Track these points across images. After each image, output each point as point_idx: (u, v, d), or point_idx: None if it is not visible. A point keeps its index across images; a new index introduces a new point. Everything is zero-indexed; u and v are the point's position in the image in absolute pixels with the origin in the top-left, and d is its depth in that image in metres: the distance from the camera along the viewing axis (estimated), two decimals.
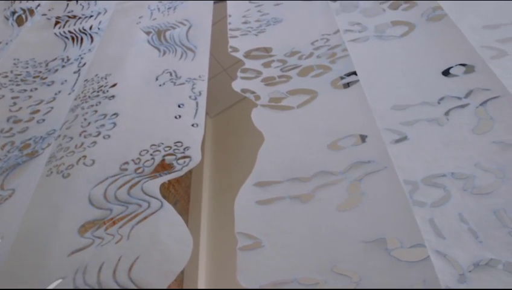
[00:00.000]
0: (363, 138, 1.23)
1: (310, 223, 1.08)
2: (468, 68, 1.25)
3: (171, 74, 1.66)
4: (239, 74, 1.56)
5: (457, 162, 1.05)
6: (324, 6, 1.76)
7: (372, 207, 1.06)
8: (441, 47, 1.37)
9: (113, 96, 1.60)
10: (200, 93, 1.54)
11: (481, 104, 1.14)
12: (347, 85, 1.42)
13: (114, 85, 1.66)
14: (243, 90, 1.49)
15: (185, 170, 1.27)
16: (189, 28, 1.91)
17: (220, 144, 3.44)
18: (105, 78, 1.70)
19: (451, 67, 1.28)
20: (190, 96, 1.53)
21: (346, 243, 1.01)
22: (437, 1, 1.48)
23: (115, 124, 1.47)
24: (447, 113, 1.16)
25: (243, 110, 3.39)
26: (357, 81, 1.37)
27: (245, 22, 1.86)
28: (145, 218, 1.16)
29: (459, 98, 1.18)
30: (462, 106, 1.16)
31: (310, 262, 1.00)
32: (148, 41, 1.88)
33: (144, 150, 1.35)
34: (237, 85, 1.51)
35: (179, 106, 1.50)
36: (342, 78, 1.44)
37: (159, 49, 1.83)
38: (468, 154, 1.06)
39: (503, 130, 1.07)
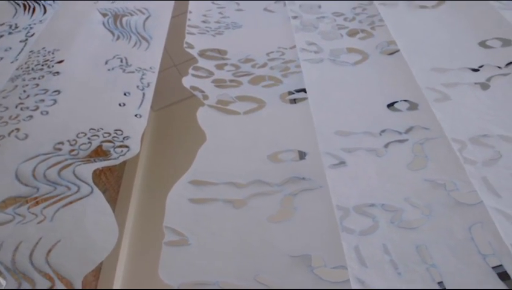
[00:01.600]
0: (303, 155, 1.25)
1: (239, 229, 1.08)
2: (412, 105, 1.29)
3: (121, 60, 1.63)
4: (191, 71, 1.55)
5: (388, 194, 1.08)
6: (285, 21, 1.78)
7: (303, 223, 1.07)
8: (389, 80, 1.40)
9: (58, 73, 1.54)
10: (148, 85, 1.52)
11: (419, 142, 1.18)
12: (294, 101, 1.43)
13: (61, 61, 1.60)
14: (192, 88, 1.48)
15: (122, 159, 1.25)
16: (148, 17, 1.88)
17: (159, 138, 3.39)
18: (53, 53, 1.65)
19: (397, 101, 1.31)
20: (138, 86, 1.51)
21: (272, 254, 1.02)
22: (392, 36, 1.52)
23: (55, 101, 1.42)
24: (386, 146, 1.19)
25: (186, 108, 3.35)
26: (305, 99, 1.39)
27: (204, 21, 1.86)
28: (72, 202, 1.13)
29: (399, 132, 1.22)
30: (401, 141, 1.20)
31: (234, 267, 1.00)
32: (103, 24, 1.84)
33: (82, 133, 1.32)
34: (187, 82, 1.50)
35: (125, 94, 1.47)
36: (291, 93, 1.45)
37: (113, 33, 1.79)
38: (400, 189, 1.09)
39: (436, 169, 1.11)
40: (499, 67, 1.29)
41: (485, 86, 1.26)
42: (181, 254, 1.04)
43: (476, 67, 1.32)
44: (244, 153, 1.28)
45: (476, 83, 1.27)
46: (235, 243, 1.06)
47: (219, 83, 1.52)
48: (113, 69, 1.59)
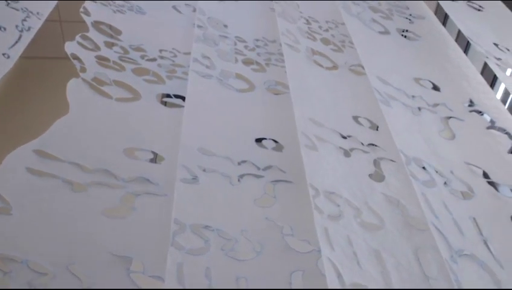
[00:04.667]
0: (159, 159, 1.24)
1: (69, 214, 1.04)
2: (277, 146, 1.34)
3: None
4: (77, 38, 1.48)
5: (228, 222, 1.10)
6: (189, 26, 1.78)
7: (136, 225, 1.06)
8: (267, 117, 1.45)
9: None
10: (29, 29, 1.44)
11: (272, 182, 1.22)
12: (164, 103, 1.42)
13: None
14: (73, 56, 1.41)
15: None
16: None
17: (16, 89, 3.13)
18: None
19: (265, 139, 1.36)
20: (17, 26, 1.41)
21: (93, 247, 0.99)
22: (288, 77, 1.57)
23: None
24: (241, 176, 1.22)
25: (56, 69, 3.14)
26: (181, 106, 1.38)
27: None
28: None
29: (258, 168, 1.25)
30: (257, 176, 1.23)
31: (50, 250, 0.96)
32: None
33: None
34: (70, 47, 1.43)
35: (0, 29, 1.36)
36: (168, 96, 1.44)
37: None
38: (240, 220, 1.12)
39: (279, 211, 1.15)
40: (362, 144, 1.38)
41: (347, 153, 1.34)
42: None
43: (345, 135, 1.40)
44: (102, 139, 1.24)
45: (340, 148, 1.35)
46: (60, 226, 1.01)
47: (102, 61, 1.47)
48: None
